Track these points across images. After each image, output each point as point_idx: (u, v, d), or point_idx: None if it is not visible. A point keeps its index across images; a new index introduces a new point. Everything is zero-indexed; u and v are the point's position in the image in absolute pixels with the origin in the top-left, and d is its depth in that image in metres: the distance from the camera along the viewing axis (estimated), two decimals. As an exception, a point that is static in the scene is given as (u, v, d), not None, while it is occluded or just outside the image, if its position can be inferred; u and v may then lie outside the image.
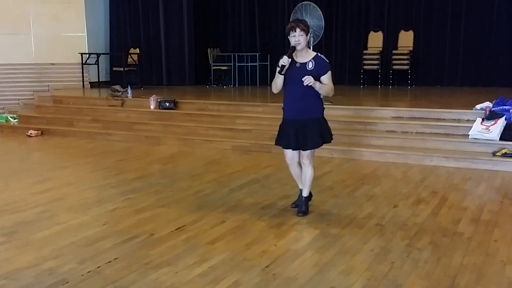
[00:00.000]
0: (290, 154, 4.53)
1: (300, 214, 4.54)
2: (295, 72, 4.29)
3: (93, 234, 4.17)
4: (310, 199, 4.71)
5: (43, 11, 11.72)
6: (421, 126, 7.18)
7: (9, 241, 4.03)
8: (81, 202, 5.08)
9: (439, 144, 6.83)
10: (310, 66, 4.30)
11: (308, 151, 4.45)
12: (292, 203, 4.80)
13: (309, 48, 4.39)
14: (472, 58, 11.17)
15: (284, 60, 4.24)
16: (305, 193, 4.61)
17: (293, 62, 4.30)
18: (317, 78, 4.27)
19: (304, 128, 4.38)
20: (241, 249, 3.80)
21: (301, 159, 4.53)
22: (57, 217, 4.62)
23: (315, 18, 8.25)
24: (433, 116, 7.33)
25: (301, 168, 4.57)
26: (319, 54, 4.40)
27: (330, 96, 4.54)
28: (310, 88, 4.26)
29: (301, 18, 4.49)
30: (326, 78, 4.33)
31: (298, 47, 4.27)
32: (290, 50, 4.29)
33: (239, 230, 4.22)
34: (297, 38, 4.23)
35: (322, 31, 8.30)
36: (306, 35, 4.27)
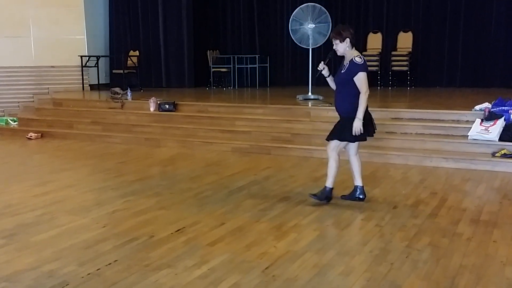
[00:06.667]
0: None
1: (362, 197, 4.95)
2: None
3: (93, 236, 4.18)
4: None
5: (43, 14, 11.74)
6: (421, 127, 7.19)
7: (9, 244, 4.04)
8: (81, 205, 5.09)
9: (439, 145, 6.83)
10: None
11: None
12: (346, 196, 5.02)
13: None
14: (471, 59, 11.18)
15: (320, 65, 4.80)
16: (360, 182, 4.96)
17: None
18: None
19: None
20: (240, 251, 3.81)
21: (352, 150, 4.89)
22: (57, 219, 4.62)
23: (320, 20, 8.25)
24: (432, 117, 7.34)
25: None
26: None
27: None
28: None
29: (339, 25, 5.00)
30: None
31: (338, 53, 4.75)
32: (330, 53, 4.85)
33: (239, 232, 4.22)
34: (335, 47, 4.73)
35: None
36: (341, 42, 4.64)
